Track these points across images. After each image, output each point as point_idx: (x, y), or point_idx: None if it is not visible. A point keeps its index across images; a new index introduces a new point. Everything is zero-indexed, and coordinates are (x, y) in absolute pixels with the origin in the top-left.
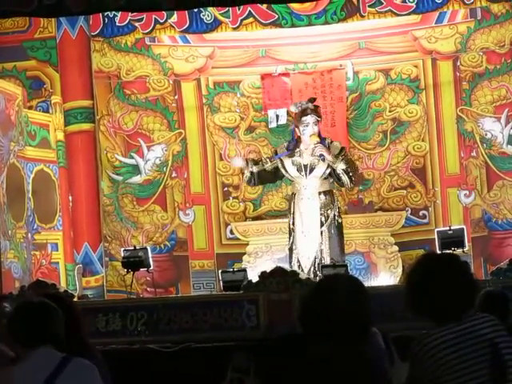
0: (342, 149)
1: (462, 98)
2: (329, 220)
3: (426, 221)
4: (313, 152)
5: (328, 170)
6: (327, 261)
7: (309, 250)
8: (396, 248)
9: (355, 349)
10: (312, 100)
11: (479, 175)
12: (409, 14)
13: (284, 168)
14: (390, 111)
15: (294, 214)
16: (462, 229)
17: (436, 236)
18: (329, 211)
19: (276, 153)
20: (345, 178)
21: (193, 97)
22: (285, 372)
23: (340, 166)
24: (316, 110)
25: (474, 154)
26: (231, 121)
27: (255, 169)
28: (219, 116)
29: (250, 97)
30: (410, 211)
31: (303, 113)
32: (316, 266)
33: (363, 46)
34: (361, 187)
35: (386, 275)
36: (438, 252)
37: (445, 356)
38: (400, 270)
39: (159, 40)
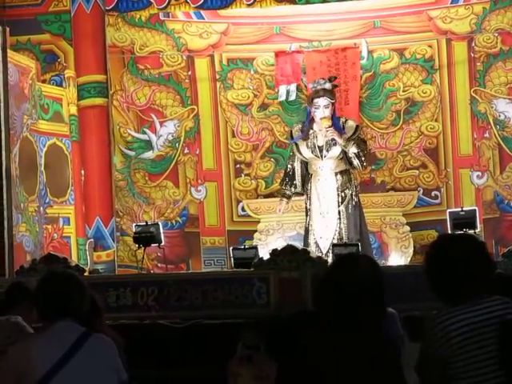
0: (357, 127)
1: (476, 79)
2: (346, 199)
3: (438, 201)
4: (326, 135)
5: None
6: (344, 239)
7: (327, 231)
8: (408, 228)
9: (368, 328)
10: (331, 79)
11: (492, 156)
12: None
13: (299, 151)
14: (403, 91)
15: (310, 194)
16: (474, 210)
17: (448, 217)
18: (346, 191)
19: (291, 135)
20: (356, 162)
21: (206, 73)
22: (295, 349)
23: (352, 150)
24: (330, 92)
25: (487, 135)
26: (244, 98)
27: (293, 190)
28: (232, 93)
29: (263, 74)
30: (422, 191)
31: (315, 94)
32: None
33: (378, 25)
34: (373, 167)
35: (397, 255)
36: (457, 232)
37: (456, 336)
38: (411, 250)
39: (173, 15)
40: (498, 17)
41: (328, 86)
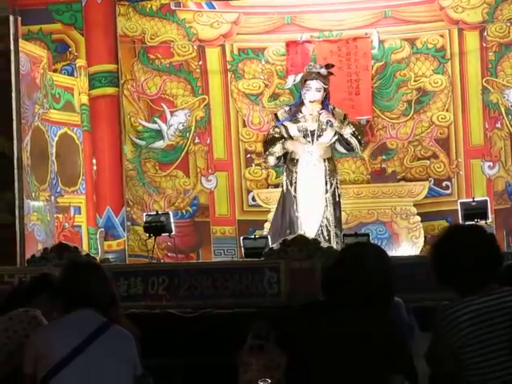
0: (345, 115)
1: (488, 69)
2: (332, 188)
3: (449, 192)
4: (319, 118)
5: (335, 137)
6: (333, 228)
7: (313, 218)
8: (418, 218)
9: (375, 315)
10: (329, 66)
11: (503, 147)
12: None
13: (288, 133)
14: (414, 81)
15: (297, 180)
16: (486, 200)
17: (459, 207)
18: (331, 178)
19: (276, 117)
20: (354, 141)
21: (217, 63)
22: (302, 338)
23: (347, 131)
24: (324, 77)
25: (498, 125)
26: (255, 87)
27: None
28: (243, 82)
29: (274, 64)
30: (433, 181)
31: (308, 76)
32: (322, 233)
33: (389, 15)
34: (384, 157)
35: (407, 245)
36: (466, 223)
37: (466, 327)
38: (422, 240)
39: (184, 5)
40: (511, 6)
41: (323, 71)
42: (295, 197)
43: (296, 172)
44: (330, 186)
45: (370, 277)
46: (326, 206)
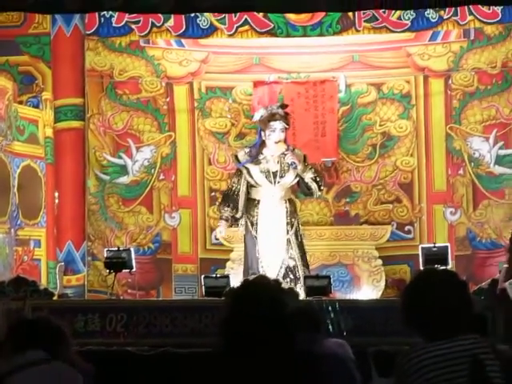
0: (305, 156)
1: (452, 116)
2: (294, 228)
3: (411, 236)
4: (282, 159)
5: (296, 179)
6: (299, 268)
7: (275, 259)
8: (380, 262)
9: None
10: (283, 106)
11: (465, 194)
12: (403, 31)
13: (250, 175)
14: (380, 125)
15: (258, 221)
16: (446, 246)
17: (420, 252)
18: (293, 219)
19: (237, 158)
20: (314, 186)
21: (184, 100)
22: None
23: (309, 175)
24: (285, 117)
25: (461, 172)
26: (222, 126)
27: (232, 213)
28: (210, 121)
29: (241, 103)
30: (395, 226)
31: (272, 117)
32: (286, 274)
33: (357, 60)
34: (348, 199)
35: (368, 288)
36: (440, 267)
37: (429, 372)
38: (383, 283)
39: (154, 42)
40: (475, 56)
41: (281, 111)
42: (256, 237)
43: (257, 213)
44: (292, 227)
45: (266, 322)
46: (290, 247)
